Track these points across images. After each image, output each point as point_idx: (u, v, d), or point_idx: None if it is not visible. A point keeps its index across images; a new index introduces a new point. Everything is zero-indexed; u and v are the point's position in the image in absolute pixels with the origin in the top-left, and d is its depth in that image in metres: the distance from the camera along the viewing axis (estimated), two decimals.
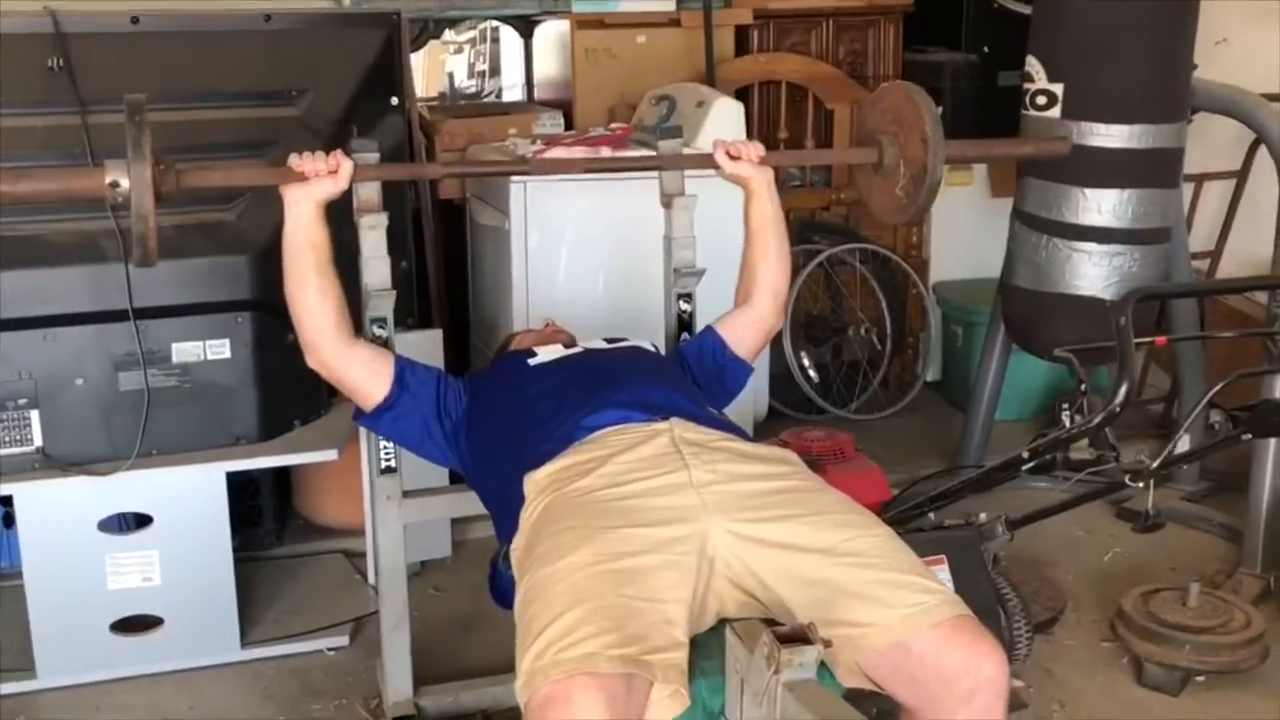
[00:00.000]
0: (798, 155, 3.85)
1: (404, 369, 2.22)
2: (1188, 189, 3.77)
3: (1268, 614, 2.86)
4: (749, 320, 2.37)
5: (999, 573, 2.69)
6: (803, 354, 4.30)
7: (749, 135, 3.96)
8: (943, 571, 2.58)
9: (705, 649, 1.70)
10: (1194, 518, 3.48)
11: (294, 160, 2.15)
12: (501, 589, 1.95)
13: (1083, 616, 3.05)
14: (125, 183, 1.96)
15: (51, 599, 2.72)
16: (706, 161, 2.43)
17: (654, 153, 2.68)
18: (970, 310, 4.26)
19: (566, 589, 1.64)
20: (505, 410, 2.12)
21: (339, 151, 2.19)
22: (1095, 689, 2.77)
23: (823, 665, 1.63)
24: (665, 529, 1.73)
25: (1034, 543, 3.28)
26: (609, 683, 1.51)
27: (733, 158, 2.37)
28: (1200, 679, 2.74)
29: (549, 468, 1.88)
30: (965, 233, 4.42)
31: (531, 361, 2.22)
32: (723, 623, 1.70)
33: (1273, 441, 3.09)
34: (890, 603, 1.66)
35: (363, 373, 2.20)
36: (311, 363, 2.21)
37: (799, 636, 1.53)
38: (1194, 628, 2.72)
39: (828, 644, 1.54)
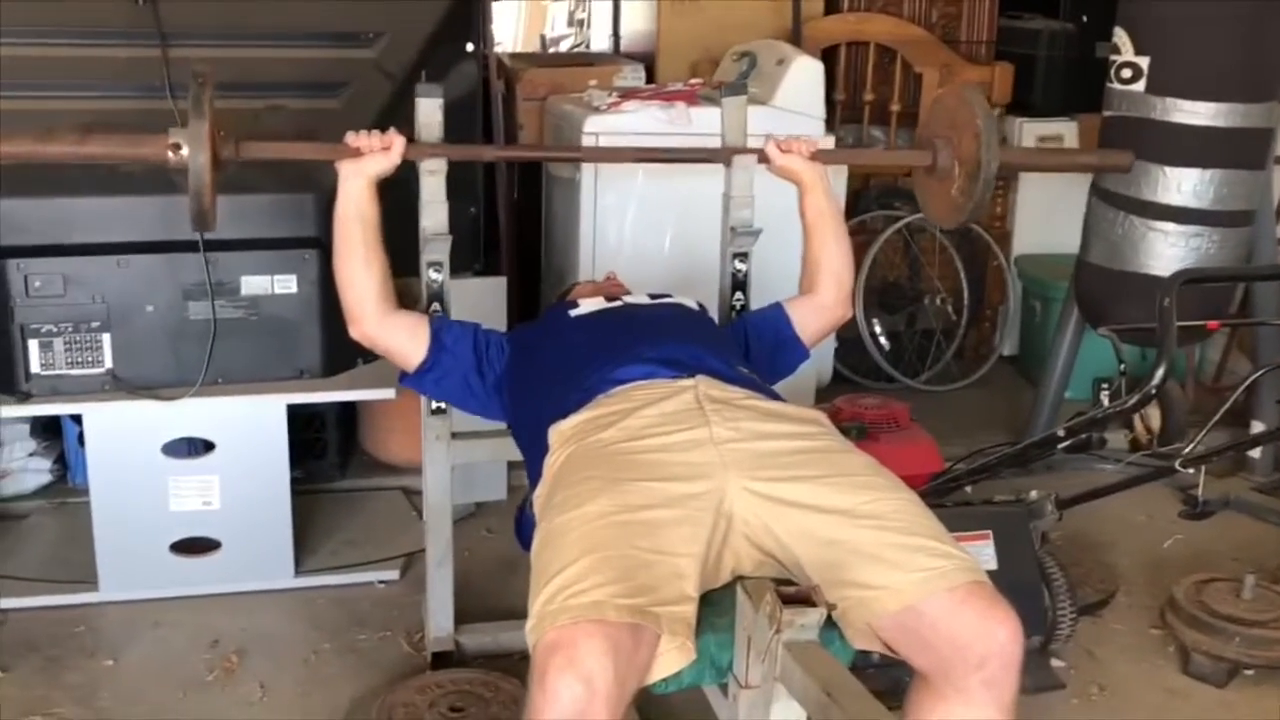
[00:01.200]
0: (851, 154, 3.80)
1: (440, 329, 2.28)
2: (1277, 172, 3.64)
3: None
4: (815, 306, 2.37)
5: (1047, 551, 2.66)
6: (875, 321, 4.27)
7: (830, 95, 3.93)
8: (987, 547, 2.56)
9: (718, 606, 1.71)
10: (1262, 509, 3.40)
11: (350, 137, 2.25)
12: (526, 533, 1.98)
13: (1134, 601, 3.00)
14: (186, 149, 2.04)
15: (115, 517, 2.82)
16: (756, 154, 2.44)
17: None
18: (1050, 285, 4.18)
19: (580, 537, 1.66)
20: (542, 361, 2.15)
21: (393, 130, 2.27)
22: (1138, 675, 2.73)
23: (833, 627, 1.64)
24: (683, 484, 1.74)
25: (1093, 525, 3.23)
26: (615, 631, 1.53)
27: (784, 151, 2.36)
28: (1249, 673, 2.68)
29: (574, 419, 1.90)
30: (1051, 206, 4.32)
31: (572, 313, 2.24)
32: (736, 580, 1.71)
33: None
34: (905, 566, 1.66)
35: (402, 337, 2.27)
36: (354, 333, 2.30)
37: (803, 598, 1.53)
38: (1246, 620, 2.66)
39: (832, 607, 1.54)
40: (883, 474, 1.82)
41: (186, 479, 2.84)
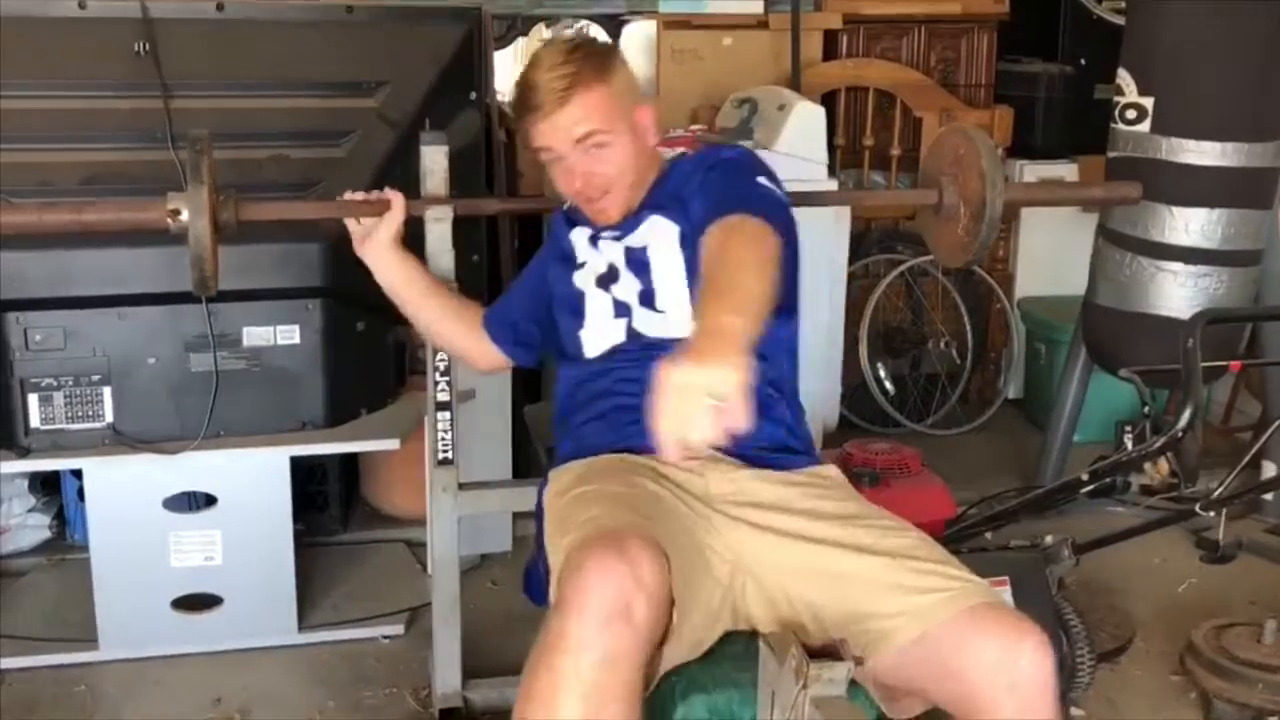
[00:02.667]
0: (858, 195, 3.79)
1: (499, 331, 2.30)
2: None
3: None
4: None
5: (1064, 597, 2.62)
6: (879, 365, 4.24)
7: (831, 139, 3.92)
8: (1005, 593, 2.52)
9: (738, 660, 1.68)
10: (1277, 552, 3.36)
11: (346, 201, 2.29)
12: (535, 585, 1.94)
13: (1152, 647, 2.95)
14: (185, 214, 2.04)
15: (116, 573, 2.78)
16: None
17: None
18: (1055, 327, 4.16)
19: (602, 497, 1.71)
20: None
21: (387, 189, 2.28)
22: None
23: (857, 686, 1.60)
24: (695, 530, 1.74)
25: (1107, 570, 3.19)
26: (658, 549, 1.54)
27: None
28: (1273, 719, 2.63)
29: (574, 469, 1.89)
30: (1053, 248, 4.32)
31: (585, 349, 2.08)
32: (756, 634, 1.67)
33: None
34: (920, 589, 1.62)
35: (503, 356, 2.32)
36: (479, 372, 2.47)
37: (830, 652, 1.49)
38: (1269, 666, 2.61)
39: (859, 661, 1.50)
40: (891, 517, 1.80)
41: (188, 534, 2.79)
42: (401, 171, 2.86)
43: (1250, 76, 2.91)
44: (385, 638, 2.96)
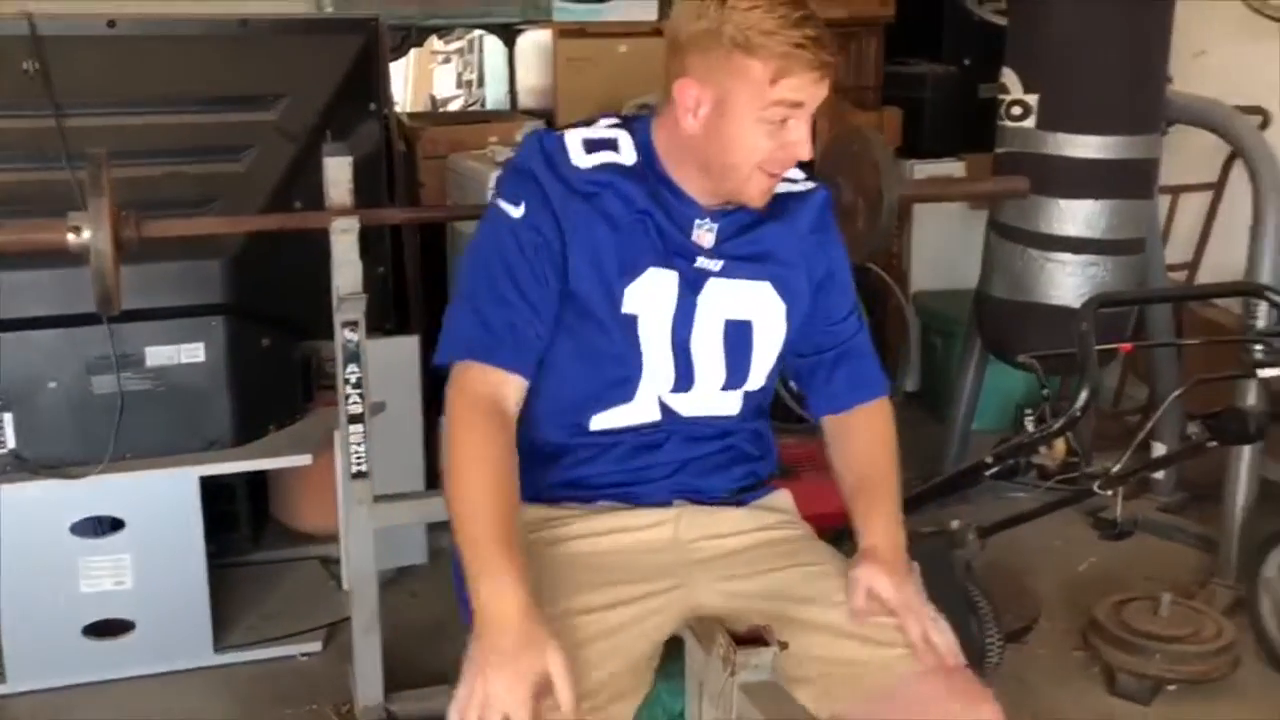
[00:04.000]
0: None
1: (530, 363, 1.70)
2: (1165, 200, 3.78)
3: (1239, 624, 2.86)
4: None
5: (971, 580, 2.70)
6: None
7: None
8: (914, 578, 2.59)
9: (668, 653, 1.70)
10: (1170, 528, 3.50)
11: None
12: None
13: (1056, 625, 3.05)
14: (86, 233, 2.02)
15: (23, 603, 2.71)
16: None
17: None
18: (949, 320, 4.27)
19: None
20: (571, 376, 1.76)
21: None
22: (1067, 698, 2.77)
23: None
24: (644, 585, 1.68)
25: (1011, 552, 3.29)
26: None
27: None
28: (1171, 688, 2.74)
29: (538, 512, 1.76)
30: (945, 243, 4.44)
31: (594, 422, 1.75)
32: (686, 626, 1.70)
33: (1246, 452, 3.11)
34: (888, 643, 1.64)
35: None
36: None
37: (755, 638, 1.53)
38: (1165, 637, 2.73)
39: (784, 645, 1.53)
40: (836, 564, 1.77)
41: (97, 559, 2.74)
42: (302, 184, 2.87)
43: (1129, 72, 3.02)
44: (303, 655, 2.94)
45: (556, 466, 1.76)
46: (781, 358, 1.80)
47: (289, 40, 2.99)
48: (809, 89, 1.59)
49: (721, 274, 1.71)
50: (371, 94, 3.10)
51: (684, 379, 1.72)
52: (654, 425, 1.75)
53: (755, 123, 1.60)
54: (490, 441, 1.58)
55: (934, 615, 1.67)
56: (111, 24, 2.81)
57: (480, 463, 1.57)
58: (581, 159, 1.66)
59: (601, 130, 1.72)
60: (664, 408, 1.74)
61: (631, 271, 1.67)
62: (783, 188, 1.75)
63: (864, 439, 1.85)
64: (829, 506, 1.90)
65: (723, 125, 1.61)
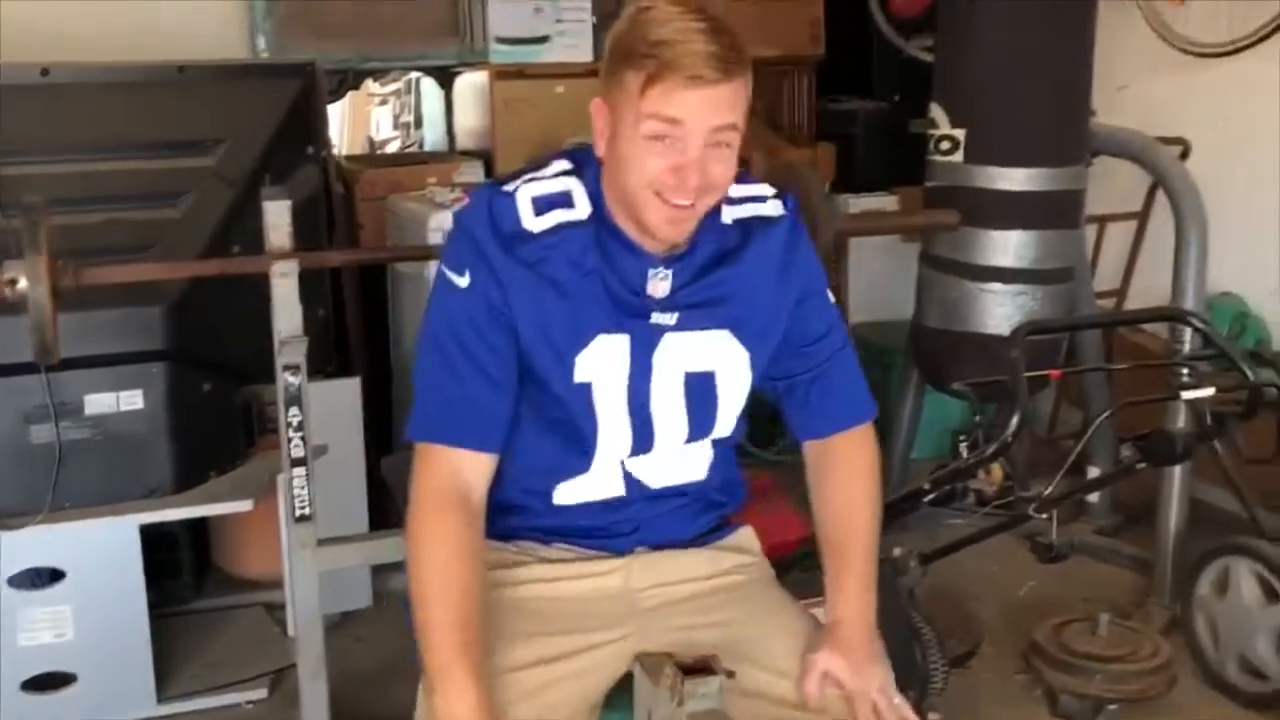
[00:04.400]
0: None
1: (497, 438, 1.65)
2: (1091, 230, 3.88)
3: (1175, 643, 2.92)
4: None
5: (914, 607, 2.73)
6: None
7: None
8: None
9: (616, 684, 1.71)
10: (1106, 551, 3.56)
11: None
12: None
13: (999, 649, 3.09)
14: (23, 282, 2.01)
15: None
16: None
17: None
18: (887, 351, 4.32)
19: None
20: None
21: None
22: None
23: None
24: (592, 635, 1.68)
25: (952, 578, 3.33)
26: None
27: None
28: (1112, 707, 2.78)
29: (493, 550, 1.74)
30: (879, 276, 4.51)
31: (556, 495, 1.73)
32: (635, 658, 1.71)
33: (1177, 474, 3.18)
34: (835, 716, 1.64)
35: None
36: None
37: (702, 667, 1.55)
38: (1104, 657, 2.77)
39: (730, 674, 1.55)
40: (803, 615, 1.76)
41: (36, 611, 2.70)
42: (240, 228, 2.87)
43: (1051, 106, 3.12)
44: (249, 703, 2.91)
45: (519, 517, 1.74)
46: (751, 397, 1.73)
47: (227, 86, 3.00)
48: (684, 100, 1.48)
49: (678, 327, 1.64)
50: (310, 137, 3.11)
51: (642, 440, 1.68)
52: (620, 499, 1.71)
53: (639, 140, 1.51)
54: (451, 539, 1.55)
55: (898, 701, 1.64)
56: (45, 72, 2.80)
57: (440, 565, 1.54)
58: (532, 221, 1.59)
59: (553, 183, 1.63)
60: (629, 479, 1.70)
61: (581, 340, 1.61)
62: (749, 210, 1.69)
63: (842, 476, 1.75)
64: (778, 538, 1.91)
65: (617, 146, 1.54)
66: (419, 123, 6.70)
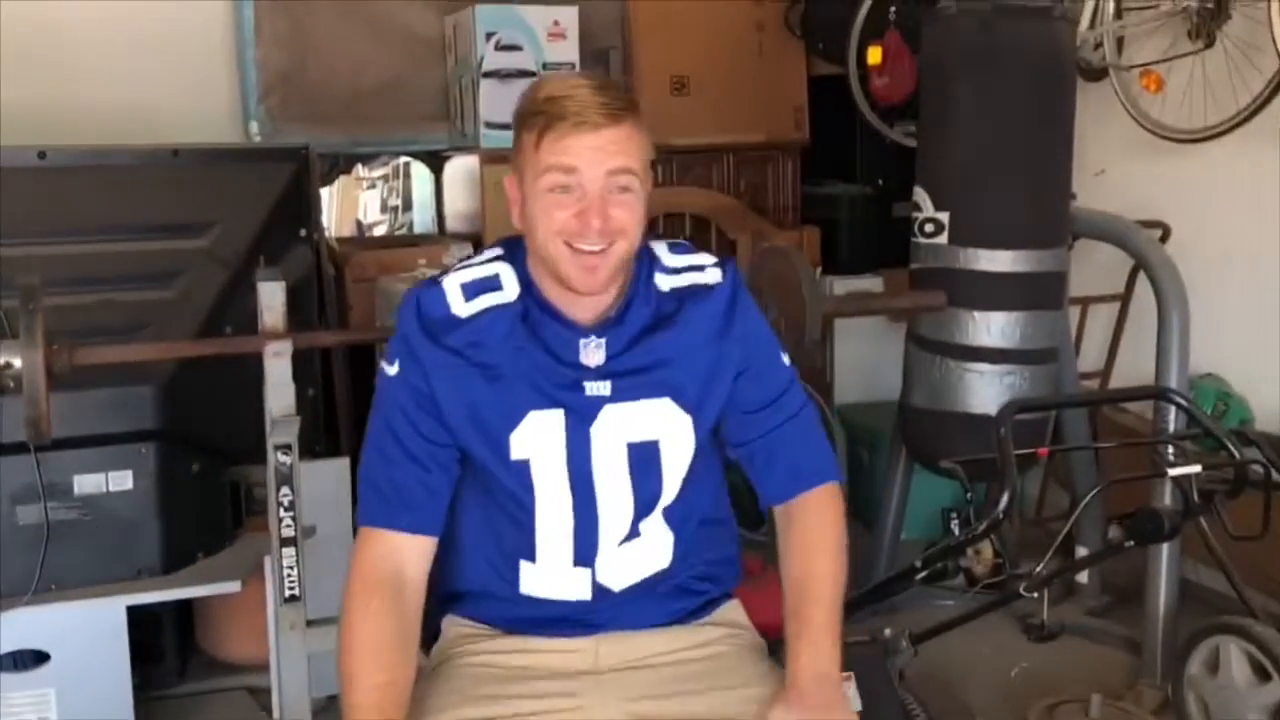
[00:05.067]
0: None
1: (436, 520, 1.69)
2: (1075, 311, 3.92)
3: None
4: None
5: (905, 688, 2.72)
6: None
7: None
8: (850, 688, 2.60)
9: None
10: (1096, 631, 3.55)
11: None
12: None
13: None
14: (18, 364, 2.03)
15: None
16: None
17: None
18: (874, 431, 4.34)
19: None
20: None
21: None
22: None
23: None
24: (550, 700, 1.66)
25: (941, 661, 3.31)
26: None
27: None
28: None
29: (462, 629, 1.77)
30: (866, 356, 4.54)
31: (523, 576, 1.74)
32: None
33: (1165, 554, 3.18)
34: None
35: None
36: None
37: None
38: None
39: None
40: (767, 688, 1.70)
41: (20, 694, 2.68)
42: (232, 309, 2.89)
43: (1033, 190, 3.17)
44: None
45: (490, 605, 1.75)
46: (734, 474, 1.75)
47: (221, 168, 3.04)
48: (574, 147, 1.56)
49: (615, 398, 1.66)
50: (302, 220, 3.15)
51: (585, 516, 1.67)
52: (584, 603, 1.71)
53: (542, 195, 1.58)
54: (373, 619, 1.59)
55: None
56: (42, 155, 2.83)
57: (364, 646, 1.58)
58: (462, 308, 1.65)
59: (482, 268, 1.69)
60: (594, 584, 1.70)
61: (512, 420, 1.64)
62: (686, 279, 1.71)
63: (804, 534, 1.73)
64: (767, 616, 1.85)
65: (526, 207, 1.61)
66: (407, 206, 6.78)
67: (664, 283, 1.71)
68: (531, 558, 1.70)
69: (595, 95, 1.57)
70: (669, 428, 1.69)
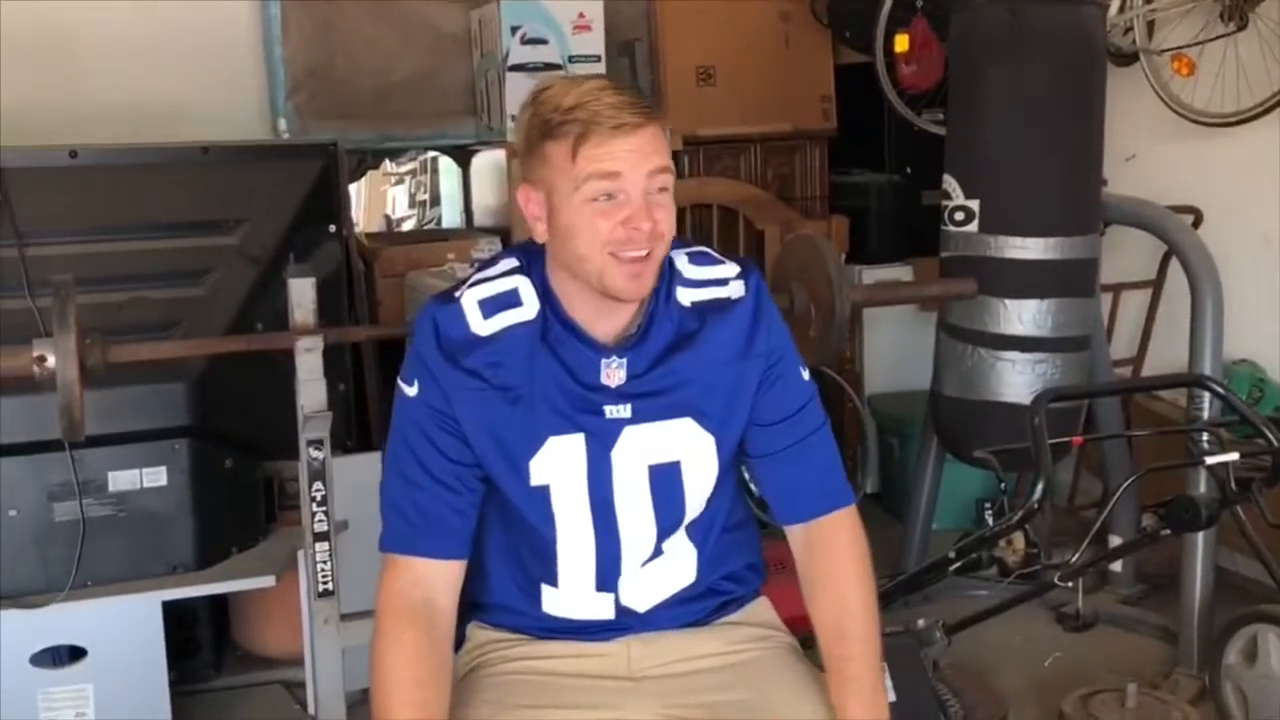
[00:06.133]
0: None
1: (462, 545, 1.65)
2: (1107, 298, 3.89)
3: (1204, 712, 2.88)
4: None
5: (939, 679, 2.71)
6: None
7: None
8: (885, 679, 2.59)
9: None
10: (1131, 620, 3.52)
11: None
12: None
13: None
14: (52, 360, 2.03)
15: None
16: None
17: None
18: (905, 421, 4.33)
19: None
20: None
21: None
22: None
23: None
24: (587, 712, 1.64)
25: (975, 651, 3.30)
26: None
27: None
28: None
29: (491, 634, 1.75)
30: (896, 345, 4.53)
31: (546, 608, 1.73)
32: None
33: (1200, 542, 3.15)
34: None
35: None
36: None
37: None
38: None
39: None
40: (809, 692, 1.69)
41: (58, 690, 2.70)
42: (263, 306, 2.90)
43: (1064, 176, 3.14)
44: None
45: (515, 617, 1.73)
46: (721, 478, 1.70)
47: (250, 166, 3.05)
48: (615, 151, 1.50)
49: (635, 420, 1.61)
50: (332, 216, 3.16)
51: (607, 541, 1.65)
52: (608, 622, 1.69)
53: (581, 205, 1.52)
54: (407, 653, 1.55)
55: None
56: (74, 154, 2.86)
57: (397, 682, 1.54)
58: (481, 326, 1.59)
59: (500, 283, 1.63)
60: (617, 606, 1.68)
61: (533, 445, 1.60)
62: (709, 294, 1.66)
63: (834, 579, 1.71)
64: (799, 609, 1.84)
65: (559, 220, 1.54)
66: (435, 200, 6.80)
67: (685, 297, 1.66)
68: (554, 583, 1.68)
69: (620, 95, 1.53)
70: (691, 448, 1.65)
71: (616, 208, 1.52)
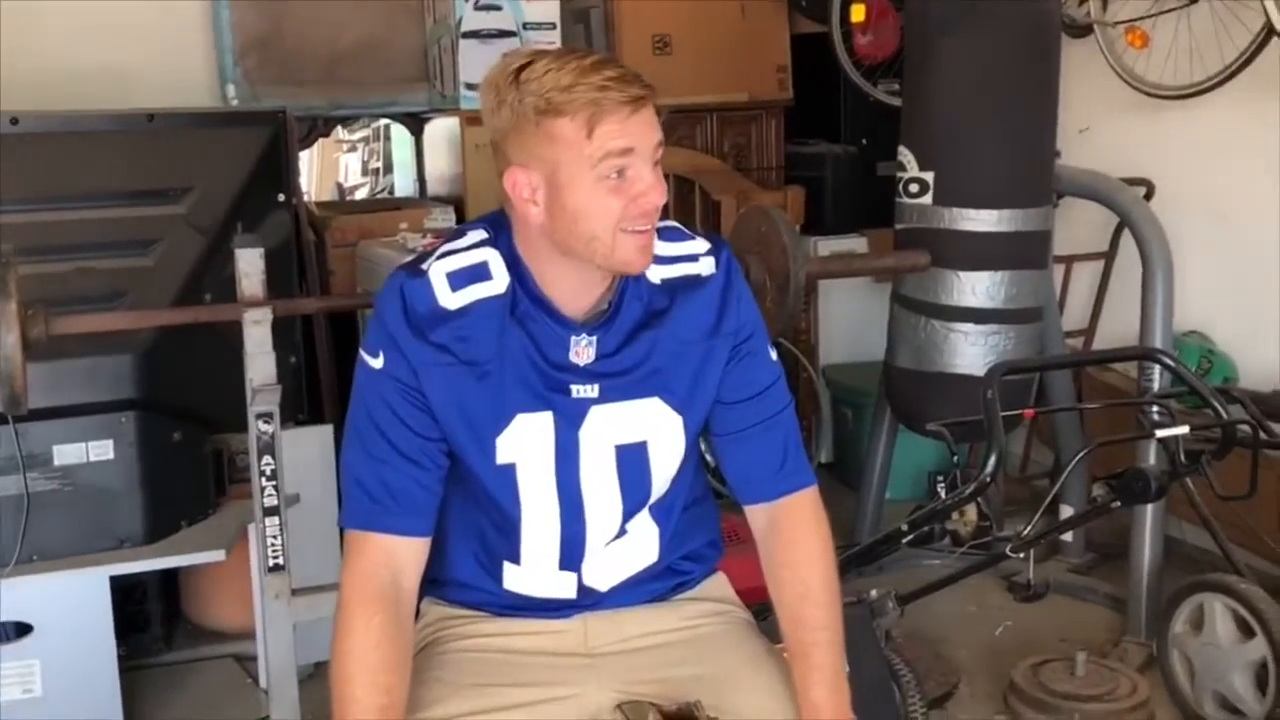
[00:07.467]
0: None
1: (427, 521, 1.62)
2: (1059, 270, 3.92)
3: (1152, 680, 2.92)
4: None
5: (891, 649, 2.72)
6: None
7: None
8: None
9: None
10: (1081, 589, 3.57)
11: None
12: None
13: (976, 690, 3.09)
14: None
15: None
16: None
17: None
18: (859, 392, 4.35)
19: None
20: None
21: None
22: None
23: None
24: (543, 690, 1.63)
25: (927, 620, 3.33)
26: None
27: None
28: None
29: (446, 610, 1.74)
30: (851, 316, 4.54)
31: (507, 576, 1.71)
32: (616, 707, 1.69)
33: (1150, 511, 3.19)
34: None
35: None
36: None
37: (686, 715, 1.54)
38: (1082, 696, 2.77)
39: None
40: (765, 666, 1.69)
41: (4, 666, 2.65)
42: (211, 276, 2.86)
43: (1018, 148, 3.15)
44: None
45: (475, 594, 1.71)
46: (686, 457, 1.69)
47: (197, 133, 3.01)
48: (630, 129, 1.48)
49: (602, 399, 1.59)
50: (280, 185, 3.11)
51: (572, 521, 1.63)
52: (569, 600, 1.68)
53: (594, 184, 1.48)
54: (374, 634, 1.52)
55: None
56: (15, 121, 2.79)
57: (361, 663, 1.51)
58: (449, 298, 1.55)
59: (469, 255, 1.58)
60: (582, 589, 1.67)
61: (500, 422, 1.57)
62: (679, 270, 1.64)
63: (794, 546, 1.69)
64: (754, 580, 1.84)
65: (563, 200, 1.49)
66: (388, 168, 6.72)
67: (655, 274, 1.62)
68: (516, 560, 1.66)
69: (616, 69, 1.49)
70: (658, 428, 1.63)
71: (628, 184, 1.50)
